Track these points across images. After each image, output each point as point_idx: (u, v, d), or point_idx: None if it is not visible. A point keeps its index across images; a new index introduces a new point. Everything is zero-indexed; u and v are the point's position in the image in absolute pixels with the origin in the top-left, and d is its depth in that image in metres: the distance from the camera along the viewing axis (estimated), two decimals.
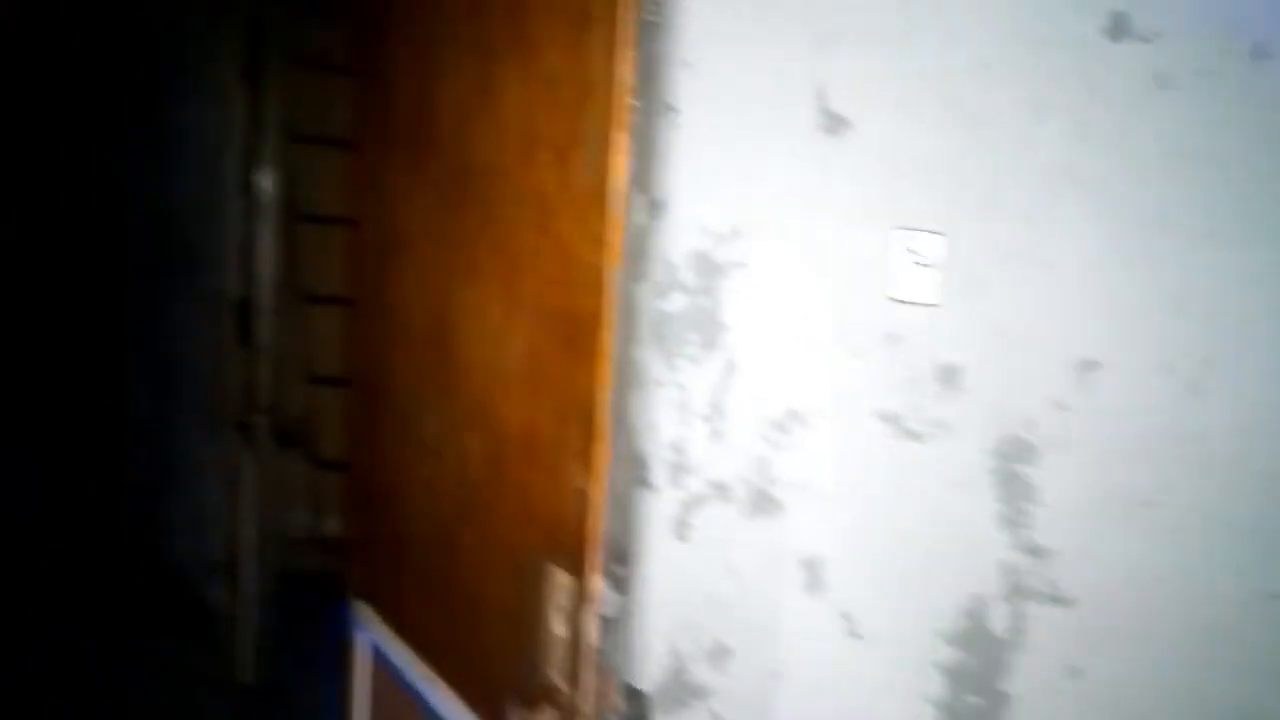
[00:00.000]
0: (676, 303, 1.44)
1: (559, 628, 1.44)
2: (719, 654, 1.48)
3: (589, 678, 1.42)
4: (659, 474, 1.44)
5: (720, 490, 1.46)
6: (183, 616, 3.04)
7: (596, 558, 1.39)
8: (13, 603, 3.17)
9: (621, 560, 1.43)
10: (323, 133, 3.32)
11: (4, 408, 3.70)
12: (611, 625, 1.43)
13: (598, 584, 1.40)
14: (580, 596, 1.41)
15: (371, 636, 2.00)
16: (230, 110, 3.10)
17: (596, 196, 1.37)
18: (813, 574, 1.46)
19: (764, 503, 1.46)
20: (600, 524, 1.39)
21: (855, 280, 1.48)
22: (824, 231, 1.47)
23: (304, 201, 3.60)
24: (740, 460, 1.46)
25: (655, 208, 1.43)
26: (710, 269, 1.44)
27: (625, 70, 1.35)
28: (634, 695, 1.47)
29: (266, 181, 3.06)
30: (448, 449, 1.72)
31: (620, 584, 1.43)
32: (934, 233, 1.43)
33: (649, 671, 1.48)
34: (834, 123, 1.48)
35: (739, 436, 1.46)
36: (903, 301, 1.50)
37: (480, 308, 1.65)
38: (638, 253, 1.43)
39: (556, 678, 1.45)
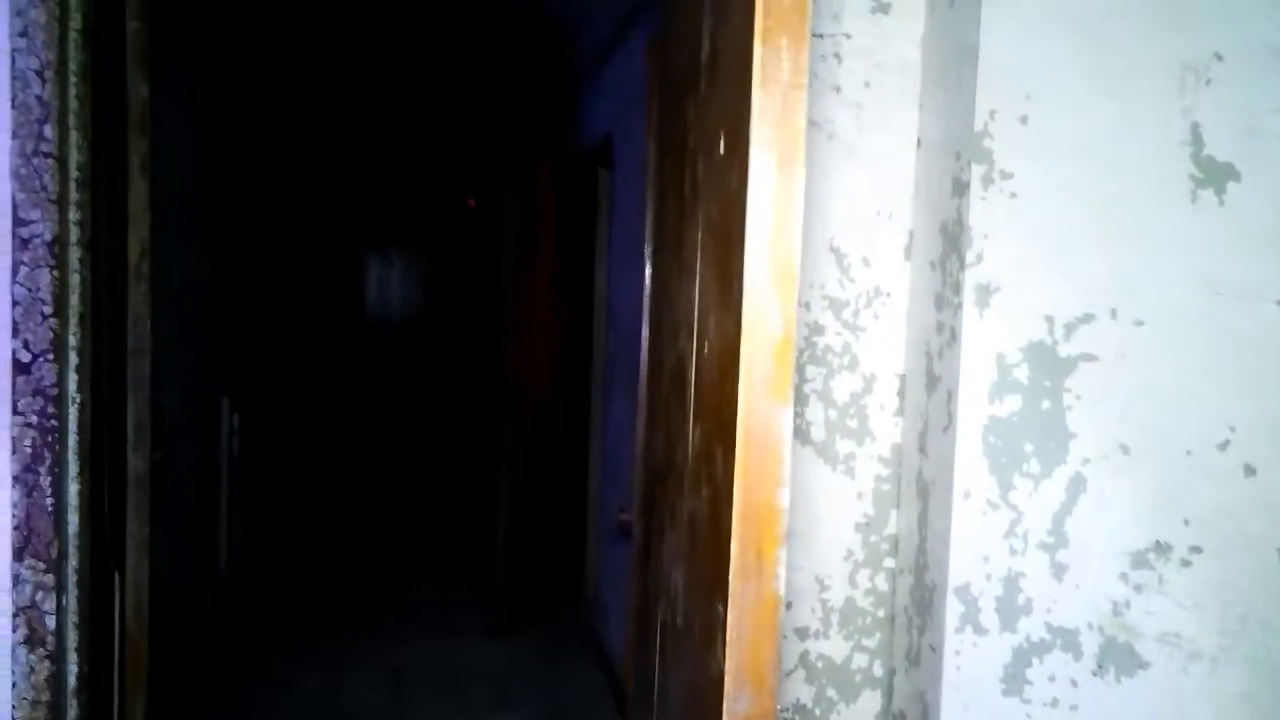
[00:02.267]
0: (1008, 406, 1.18)
1: None
2: None
3: None
4: (987, 615, 1.18)
5: (1065, 638, 1.18)
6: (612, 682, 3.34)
7: None
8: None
9: None
10: None
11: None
12: None
13: None
14: None
15: None
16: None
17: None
18: None
19: (1121, 659, 1.17)
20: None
21: (1246, 374, 1.16)
22: (1201, 314, 1.16)
23: None
24: (1090, 603, 1.17)
25: (979, 292, 1.17)
26: (1053, 365, 1.17)
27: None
28: None
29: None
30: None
31: None
32: None
33: None
34: (1213, 174, 1.17)
35: (1089, 573, 1.17)
36: None
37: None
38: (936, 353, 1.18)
39: None
